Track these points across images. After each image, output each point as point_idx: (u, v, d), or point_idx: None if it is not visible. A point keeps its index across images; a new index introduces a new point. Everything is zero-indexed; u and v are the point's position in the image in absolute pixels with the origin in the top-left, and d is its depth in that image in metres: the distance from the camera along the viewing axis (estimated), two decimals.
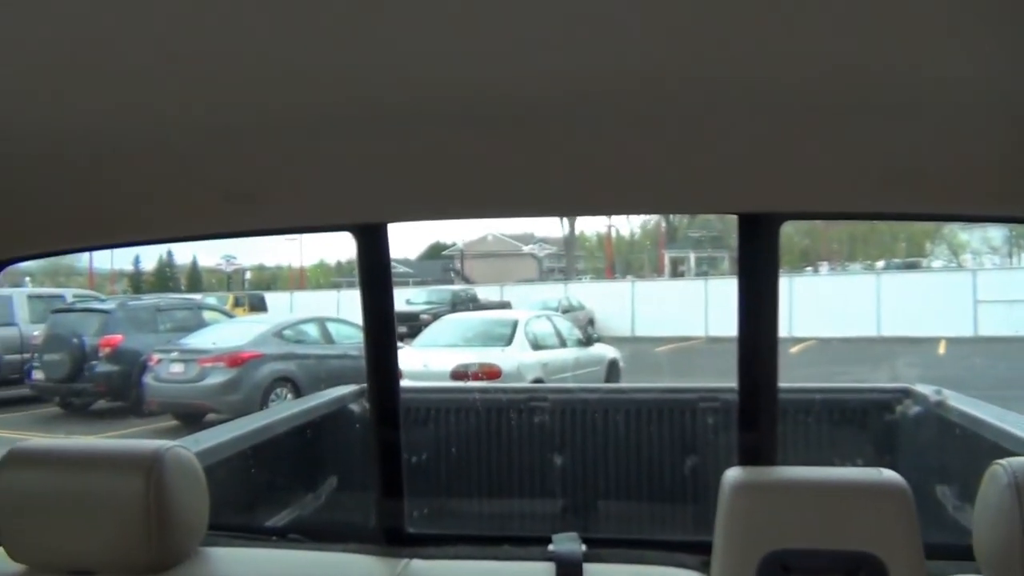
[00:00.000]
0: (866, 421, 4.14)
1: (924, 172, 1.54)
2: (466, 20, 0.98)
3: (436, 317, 14.51)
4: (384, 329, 1.99)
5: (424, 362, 8.80)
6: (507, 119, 1.35)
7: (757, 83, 1.22)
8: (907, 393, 4.27)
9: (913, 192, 1.62)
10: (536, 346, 11.29)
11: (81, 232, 1.99)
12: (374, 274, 1.95)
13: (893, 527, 1.40)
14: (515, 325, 11.35)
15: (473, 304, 19.42)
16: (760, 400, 1.83)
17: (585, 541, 1.75)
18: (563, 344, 11.99)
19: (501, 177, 1.66)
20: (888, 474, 1.45)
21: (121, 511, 1.51)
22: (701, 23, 1.02)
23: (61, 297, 13.95)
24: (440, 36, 1.02)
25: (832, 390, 4.52)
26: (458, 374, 9.41)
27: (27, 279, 14.89)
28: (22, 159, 1.46)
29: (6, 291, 12.68)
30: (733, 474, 1.48)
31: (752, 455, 1.80)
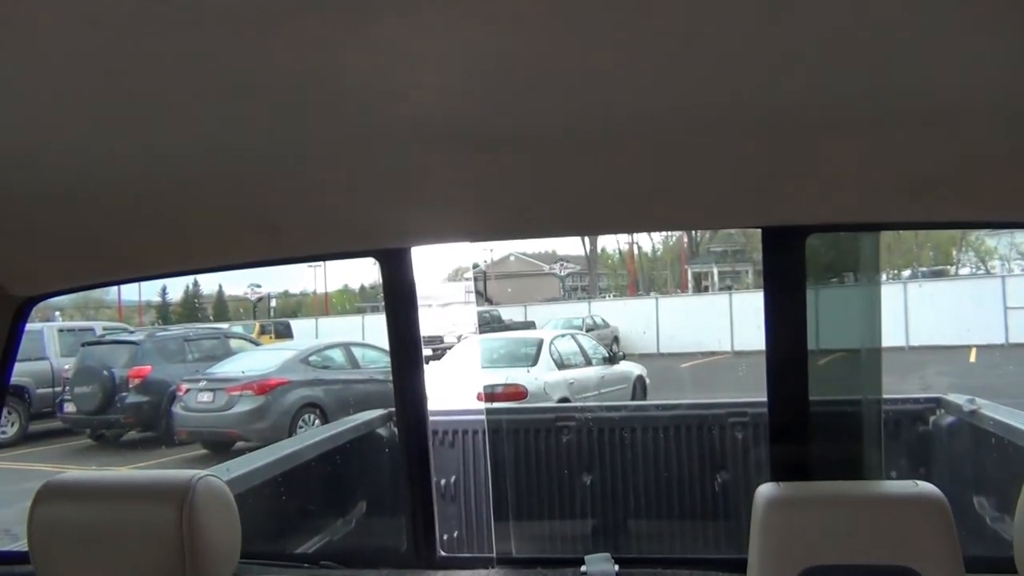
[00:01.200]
0: (898, 432, 4.09)
1: (949, 180, 1.53)
2: (492, 51, 0.99)
3: (460, 339, 14.52)
4: (411, 352, 1.99)
5: (448, 384, 8.80)
6: (529, 142, 1.36)
7: (779, 99, 1.22)
8: (939, 403, 4.21)
9: (938, 200, 1.61)
10: (561, 365, 11.26)
11: (111, 267, 2.02)
12: (399, 298, 1.96)
13: (931, 540, 1.38)
14: (540, 345, 11.32)
15: (497, 324, 19.41)
16: (790, 414, 1.82)
17: (617, 561, 1.73)
18: (588, 362, 11.94)
19: (523, 199, 1.67)
20: (924, 486, 1.43)
21: (154, 541, 1.52)
22: (725, 45, 1.02)
23: (91, 330, 14.12)
24: (463, 66, 1.03)
25: (861, 402, 4.46)
26: (484, 395, 9.40)
27: (57, 313, 15.08)
28: (56, 197, 1.49)
29: (37, 325, 12.83)
30: (766, 490, 1.46)
31: (785, 470, 1.78)
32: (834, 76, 1.15)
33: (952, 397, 4.19)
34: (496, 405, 7.67)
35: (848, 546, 1.39)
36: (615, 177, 1.57)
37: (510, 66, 1.06)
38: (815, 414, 1.84)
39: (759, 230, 1.81)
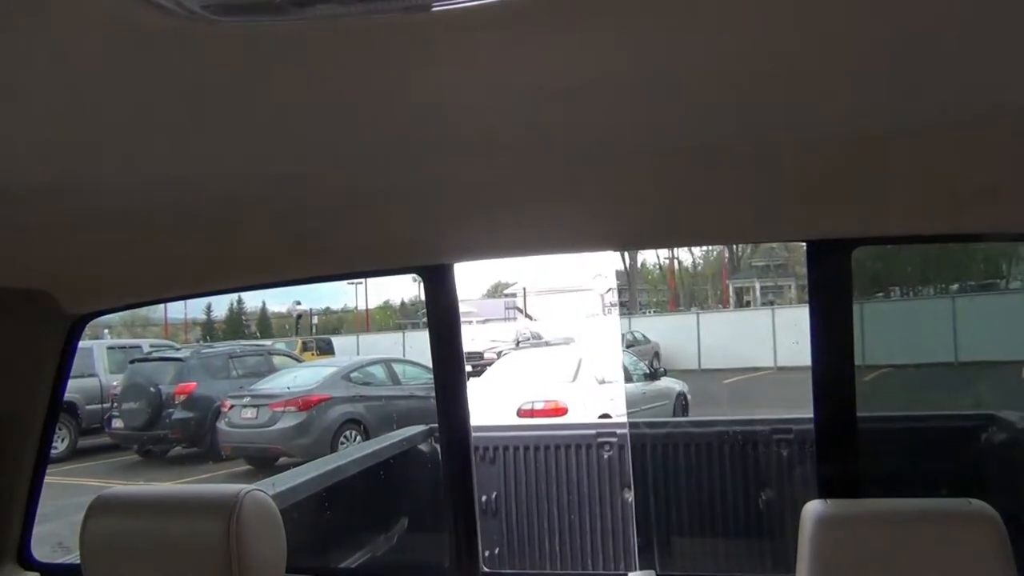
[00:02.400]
0: (949, 449, 4.00)
1: (997, 191, 1.51)
2: (536, 66, 1.00)
3: (500, 355, 14.52)
4: (454, 368, 2.00)
5: (488, 401, 8.80)
6: (566, 155, 1.36)
7: (826, 112, 1.21)
8: (991, 419, 4.12)
9: (987, 212, 1.58)
10: (602, 381, 11.18)
11: (161, 285, 2.06)
12: (442, 314, 1.97)
13: (986, 559, 1.35)
14: (580, 361, 11.27)
15: (537, 340, 19.36)
16: (838, 430, 1.79)
17: None
18: (629, 379, 11.86)
19: (563, 213, 1.67)
20: (978, 504, 1.40)
21: (203, 555, 1.54)
22: (769, 56, 1.02)
23: (138, 347, 14.37)
24: (507, 81, 1.04)
25: (913, 418, 4.38)
26: (524, 412, 9.37)
27: (106, 331, 15.38)
28: (108, 216, 1.52)
29: (87, 343, 13.11)
30: (814, 507, 1.44)
31: (832, 487, 1.75)
32: (879, 89, 1.14)
33: (1005, 414, 4.09)
34: (536, 421, 7.64)
35: (898, 565, 1.36)
36: (660, 192, 1.56)
37: (554, 81, 1.06)
38: (863, 430, 1.81)
39: (803, 244, 1.80)
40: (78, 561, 1.71)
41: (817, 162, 1.43)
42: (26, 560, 2.11)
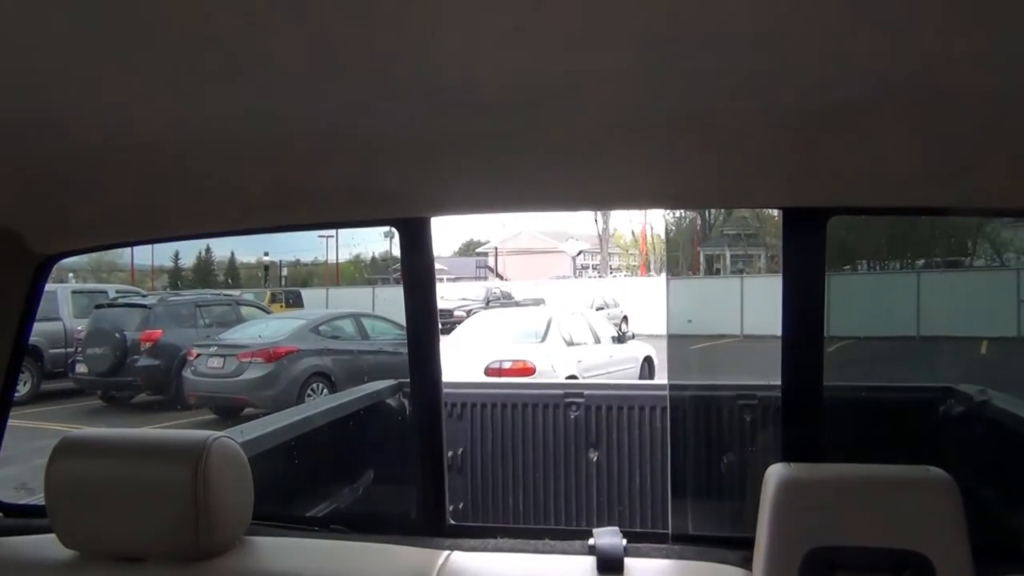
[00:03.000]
0: (908, 420, 4.09)
1: (975, 167, 1.52)
2: (518, 10, 0.98)
3: (470, 313, 14.56)
4: (427, 323, 2.00)
5: (457, 358, 8.84)
6: (549, 113, 1.35)
7: (804, 77, 1.21)
8: (950, 392, 4.20)
9: (964, 187, 1.59)
10: (570, 343, 11.28)
11: (132, 227, 2.03)
12: (417, 268, 1.96)
13: (941, 525, 1.38)
14: (549, 322, 11.35)
15: (507, 300, 19.44)
16: (804, 397, 1.82)
17: (625, 535, 1.74)
18: (597, 341, 11.97)
19: (543, 171, 1.67)
20: (936, 472, 1.43)
21: (170, 500, 1.54)
22: (753, 23, 1.01)
23: (104, 293, 14.20)
24: (492, 31, 1.03)
25: (874, 388, 4.46)
26: (492, 370, 9.44)
27: (71, 275, 15.17)
28: (81, 154, 1.49)
29: (51, 287, 12.93)
30: (777, 470, 1.47)
31: (796, 452, 1.79)
32: (860, 60, 1.14)
33: (963, 387, 4.18)
34: (504, 380, 7.70)
35: (857, 528, 1.40)
36: (636, 153, 1.56)
37: (544, 35, 1.05)
38: (826, 399, 1.84)
39: (775, 214, 1.80)
40: (42, 503, 1.70)
41: (794, 130, 1.43)
42: None
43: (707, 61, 1.13)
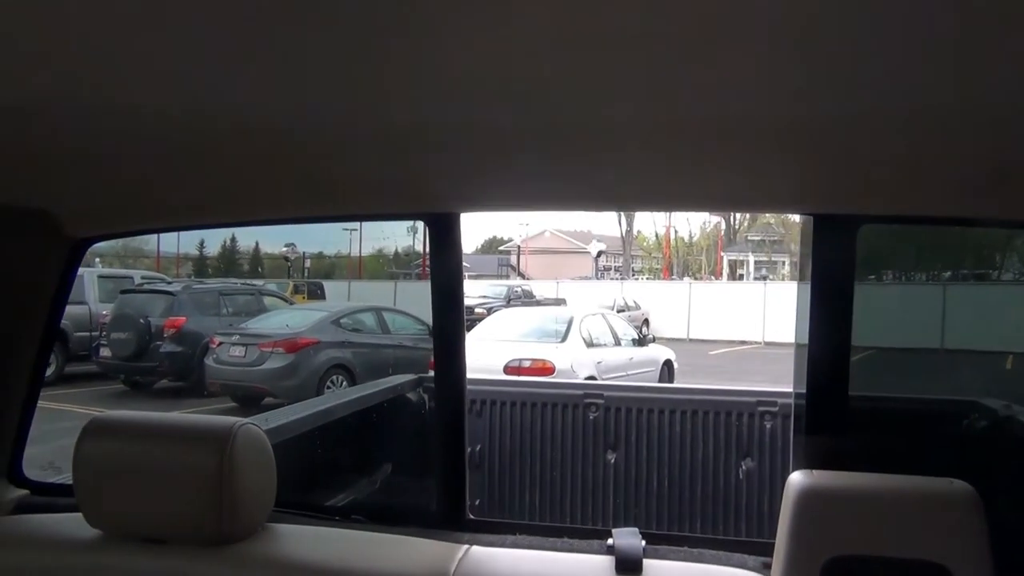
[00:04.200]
0: (932, 433, 4.05)
1: (1009, 177, 1.51)
2: (555, 6, 0.98)
3: (490, 311, 14.58)
4: (453, 318, 2.00)
5: (477, 355, 8.85)
6: (582, 111, 1.35)
7: (839, 84, 1.20)
8: (974, 406, 4.16)
9: (997, 197, 1.58)
10: (590, 344, 11.27)
11: (165, 212, 2.06)
12: (445, 264, 1.97)
13: (963, 538, 1.37)
14: (570, 322, 11.34)
15: (528, 300, 19.44)
16: (828, 405, 1.81)
17: (644, 536, 1.74)
18: (618, 343, 11.95)
19: (574, 170, 1.67)
20: (960, 484, 1.42)
21: (194, 483, 1.56)
22: (791, 29, 1.01)
23: (130, 278, 14.35)
24: (522, 20, 1.03)
25: (899, 399, 4.42)
26: (511, 368, 9.44)
27: (98, 260, 15.34)
28: (118, 138, 1.51)
29: (78, 270, 13.05)
30: (799, 477, 1.46)
31: (817, 460, 1.78)
32: (899, 65, 1.13)
33: (987, 401, 4.13)
34: (524, 378, 7.70)
35: (878, 538, 1.39)
36: (667, 155, 1.55)
37: (585, 30, 1.05)
38: (852, 408, 1.83)
39: (799, 221, 1.80)
40: (68, 481, 1.73)
41: (830, 136, 1.42)
42: (16, 478, 2.13)
43: (744, 66, 1.13)
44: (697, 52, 1.09)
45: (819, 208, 1.76)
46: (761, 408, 4.15)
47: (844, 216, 1.75)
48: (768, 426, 4.11)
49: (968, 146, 1.43)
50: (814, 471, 1.50)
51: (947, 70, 1.13)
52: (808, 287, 1.80)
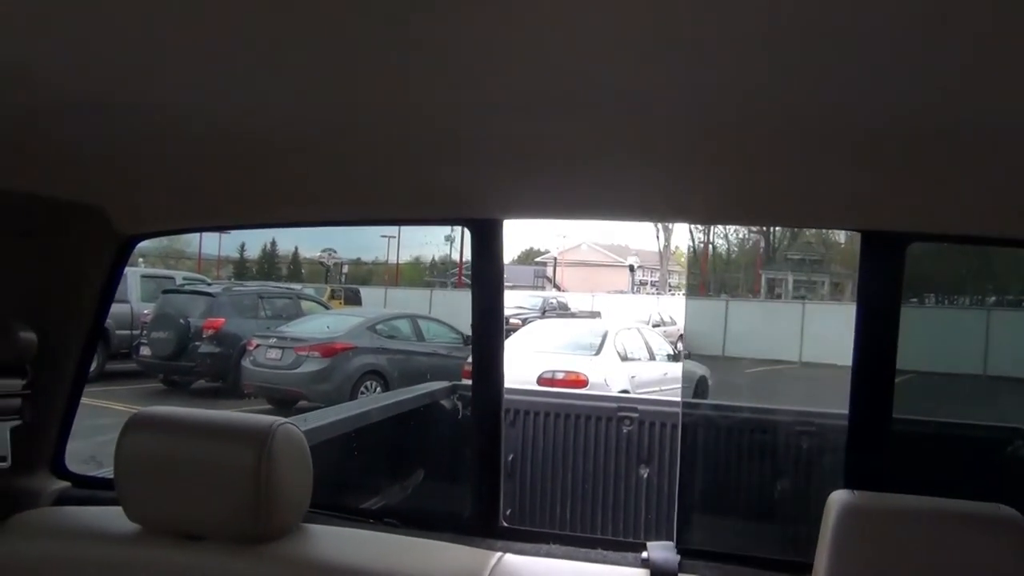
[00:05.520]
0: (976, 459, 3.97)
1: None
2: (596, 15, 0.98)
3: (525, 322, 14.56)
4: (493, 326, 2.00)
5: (511, 365, 8.83)
6: (627, 120, 1.34)
7: (890, 100, 1.18)
8: (1019, 433, 4.08)
9: None
10: (625, 358, 11.20)
11: (213, 211, 2.08)
12: (487, 271, 1.97)
13: (1009, 565, 1.34)
14: (605, 335, 11.28)
15: (563, 312, 19.41)
16: (872, 426, 1.78)
17: (680, 551, 1.73)
18: (652, 358, 11.86)
19: (618, 178, 1.66)
20: (1007, 510, 1.39)
21: (233, 481, 1.57)
22: (839, 46, 1.00)
23: (171, 279, 14.58)
24: (564, 28, 1.03)
25: (942, 424, 4.35)
26: (544, 380, 9.41)
27: (140, 259, 15.61)
28: (168, 136, 1.53)
29: None
30: (840, 496, 1.44)
31: (859, 480, 1.75)
32: (950, 83, 1.11)
33: None
34: (559, 390, 7.69)
35: (921, 561, 1.36)
36: (713, 165, 1.54)
37: (629, 39, 1.05)
38: (896, 429, 1.80)
39: (841, 240, 1.77)
40: (109, 476, 1.75)
41: (881, 151, 1.40)
42: (59, 470, 2.17)
43: (790, 75, 1.12)
44: (743, 63, 1.08)
45: (868, 225, 1.73)
46: (799, 428, 4.11)
47: (893, 233, 1.72)
48: (805, 446, 4.06)
49: (1018, 168, 1.40)
50: (856, 491, 1.47)
51: (998, 90, 1.11)
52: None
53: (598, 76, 1.17)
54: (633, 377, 10.69)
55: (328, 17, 1.01)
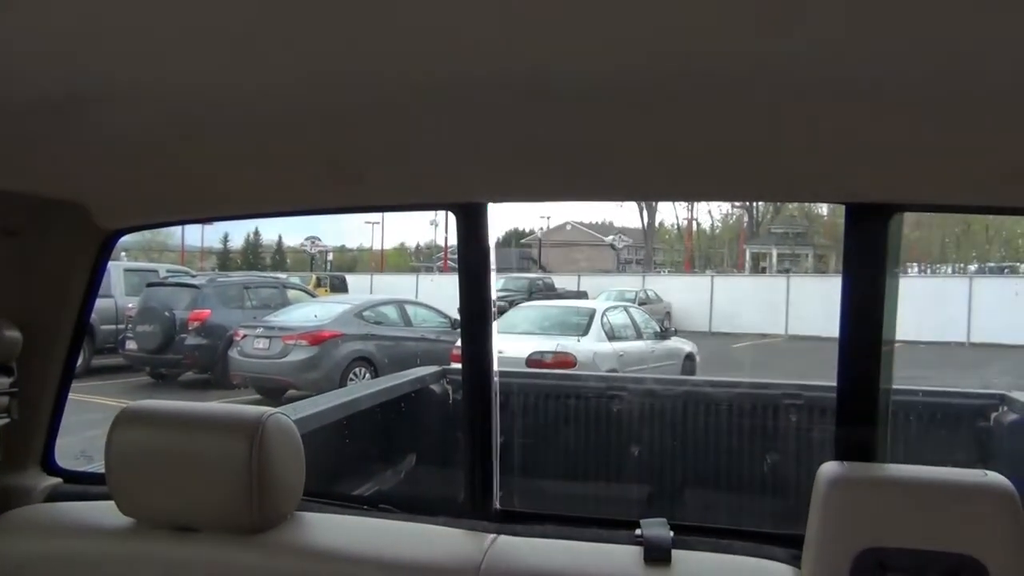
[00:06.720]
0: (960, 427, 4.02)
1: None
2: (572, 3, 0.98)
3: (512, 304, 14.57)
4: (481, 309, 2.00)
5: (499, 348, 8.84)
6: (611, 100, 1.34)
7: (875, 67, 1.18)
8: (1002, 399, 4.13)
9: None
10: (612, 337, 11.24)
11: (196, 204, 2.07)
12: (473, 255, 1.96)
13: (997, 531, 1.35)
14: (592, 315, 11.31)
15: (550, 292, 19.42)
16: (859, 397, 1.79)
17: (673, 528, 1.74)
18: (639, 336, 11.91)
19: (603, 160, 1.66)
20: (993, 476, 1.40)
21: (225, 472, 1.57)
22: (817, 15, 1.00)
23: (155, 272, 14.50)
24: (549, 19, 1.02)
25: (927, 392, 4.40)
26: (533, 361, 9.43)
27: (123, 253, 15.50)
28: (149, 130, 1.52)
29: None
30: (830, 468, 1.45)
31: (848, 451, 1.76)
32: (931, 52, 1.11)
33: (1016, 394, 4.10)
34: (548, 371, 7.70)
35: (910, 530, 1.37)
36: (697, 142, 1.54)
37: (608, 25, 1.05)
38: (884, 400, 1.81)
39: (824, 213, 1.78)
40: (100, 470, 1.75)
41: (860, 121, 1.40)
42: (49, 466, 2.16)
43: (770, 52, 1.12)
44: (714, 34, 1.08)
45: (851, 197, 1.74)
46: (786, 401, 4.14)
47: (876, 205, 1.72)
48: (793, 419, 4.09)
49: (1003, 137, 1.40)
50: (845, 462, 1.48)
51: (982, 54, 1.12)
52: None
53: (578, 61, 1.17)
54: (621, 356, 10.73)
55: (304, 4, 1.00)
